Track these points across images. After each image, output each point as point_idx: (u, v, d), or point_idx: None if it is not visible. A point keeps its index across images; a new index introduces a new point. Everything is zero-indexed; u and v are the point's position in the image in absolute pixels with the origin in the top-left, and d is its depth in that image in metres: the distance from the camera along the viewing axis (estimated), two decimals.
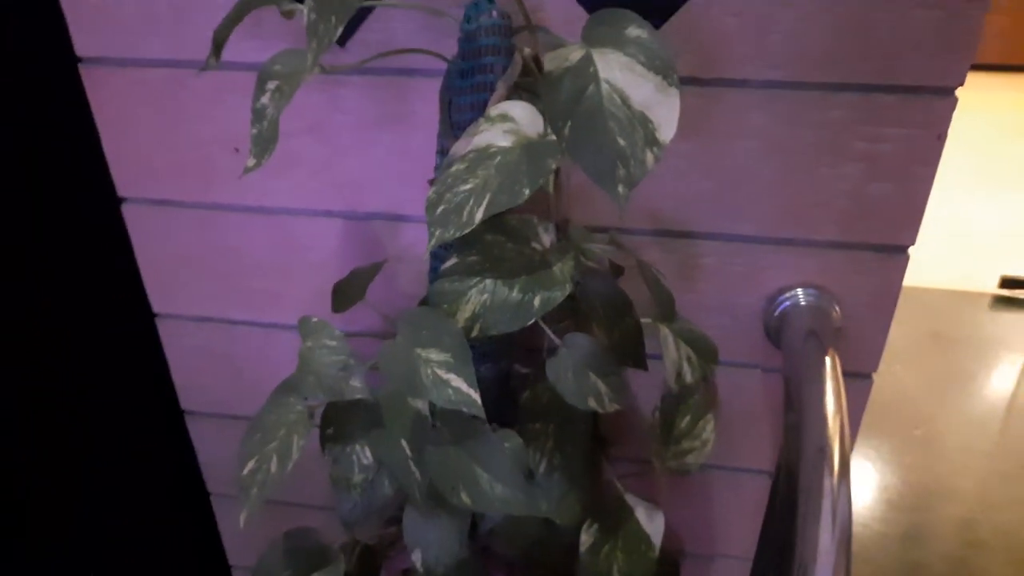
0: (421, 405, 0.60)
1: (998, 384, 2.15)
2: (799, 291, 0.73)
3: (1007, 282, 2.48)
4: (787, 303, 0.73)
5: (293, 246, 0.81)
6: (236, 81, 0.73)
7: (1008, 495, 1.79)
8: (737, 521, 0.88)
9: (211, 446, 0.99)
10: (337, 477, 0.62)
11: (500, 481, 0.54)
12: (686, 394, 0.76)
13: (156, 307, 0.88)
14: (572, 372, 0.58)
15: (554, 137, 0.52)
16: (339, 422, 0.63)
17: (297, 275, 0.82)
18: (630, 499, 0.72)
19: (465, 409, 0.50)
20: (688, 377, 0.73)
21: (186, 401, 0.95)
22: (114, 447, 0.92)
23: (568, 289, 0.55)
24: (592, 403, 0.59)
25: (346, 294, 0.69)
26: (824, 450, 0.57)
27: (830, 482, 0.55)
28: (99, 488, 0.91)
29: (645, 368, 0.67)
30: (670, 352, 0.71)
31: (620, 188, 0.47)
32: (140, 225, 0.82)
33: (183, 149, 0.77)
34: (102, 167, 0.79)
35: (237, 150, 0.76)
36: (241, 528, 0.61)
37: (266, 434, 0.63)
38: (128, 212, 0.82)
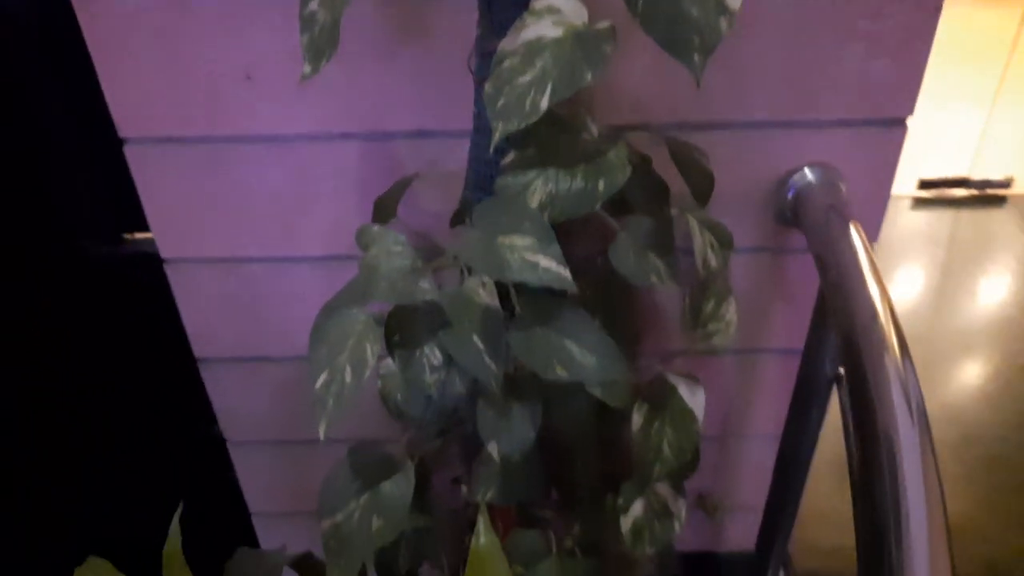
0: (489, 300, 0.62)
1: (921, 281, 2.31)
2: (807, 171, 0.78)
3: (925, 184, 2.65)
4: (799, 184, 0.78)
5: (308, 176, 0.80)
6: (240, 3, 0.71)
7: (933, 378, 1.95)
8: (762, 401, 0.95)
9: (227, 392, 0.98)
10: (411, 381, 0.63)
11: (592, 351, 0.57)
12: (710, 279, 0.81)
13: (164, 253, 0.85)
14: (633, 253, 0.61)
15: (603, 24, 0.54)
16: (405, 327, 0.64)
17: (313, 206, 0.82)
18: (671, 378, 0.76)
19: (557, 285, 0.53)
20: (713, 263, 0.77)
21: (200, 348, 0.93)
22: (129, 399, 0.90)
23: (628, 173, 0.58)
24: (654, 279, 0.62)
25: (386, 208, 0.70)
26: (876, 318, 0.61)
27: (892, 358, 0.58)
28: (115, 440, 0.90)
29: (673, 255, 0.70)
30: (697, 239, 0.75)
31: (696, 57, 0.49)
32: (144, 166, 0.80)
33: (186, 81, 0.75)
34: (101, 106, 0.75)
35: (249, 77, 0.74)
36: (322, 438, 0.61)
37: (333, 347, 0.63)
38: (131, 153, 0.79)
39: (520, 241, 0.54)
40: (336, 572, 0.69)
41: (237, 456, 1.04)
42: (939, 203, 2.67)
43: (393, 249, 0.61)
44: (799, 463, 0.85)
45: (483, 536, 0.60)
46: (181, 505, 0.63)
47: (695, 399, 0.77)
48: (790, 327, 0.89)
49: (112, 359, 0.91)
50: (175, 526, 0.63)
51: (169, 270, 0.86)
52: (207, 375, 0.96)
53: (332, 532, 0.71)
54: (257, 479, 1.07)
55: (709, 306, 0.82)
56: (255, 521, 1.12)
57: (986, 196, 2.67)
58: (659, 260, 0.63)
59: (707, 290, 0.81)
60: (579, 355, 0.57)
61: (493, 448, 0.66)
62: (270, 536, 1.14)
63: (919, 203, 2.67)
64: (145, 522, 0.90)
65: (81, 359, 0.89)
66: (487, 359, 0.61)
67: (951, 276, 2.32)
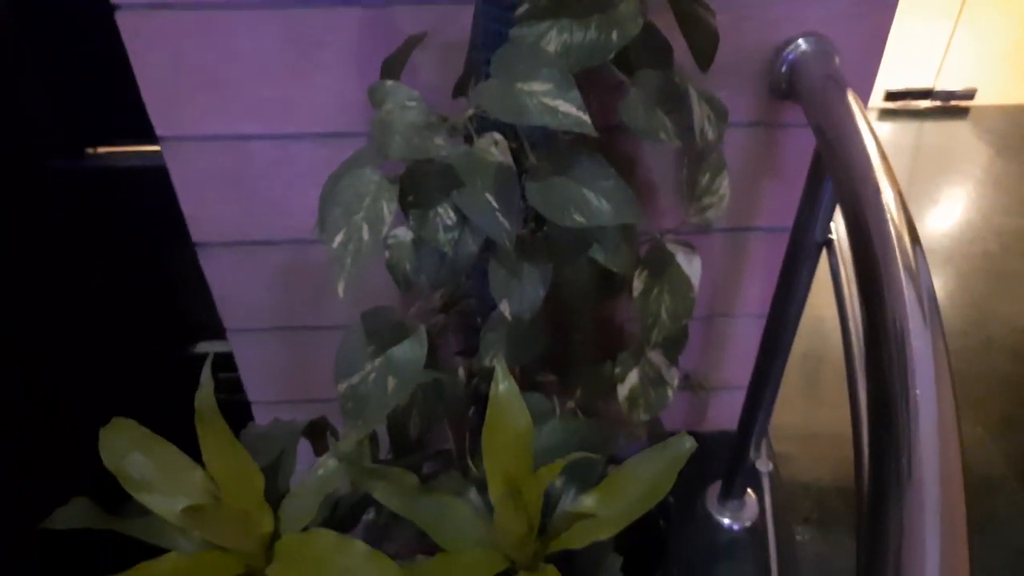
0: (502, 158, 0.63)
1: None
2: (801, 41, 0.80)
3: (891, 95, 2.69)
4: (794, 55, 0.80)
5: (308, 43, 0.79)
6: None
7: None
8: (750, 280, 0.98)
9: (226, 279, 0.98)
10: (426, 240, 0.65)
11: (608, 198, 0.59)
12: (706, 152, 0.83)
13: (160, 130, 0.84)
14: (643, 108, 0.63)
15: None
16: (419, 186, 0.65)
17: (312, 78, 0.81)
18: (671, 246, 0.79)
19: (576, 129, 0.54)
20: (710, 135, 0.79)
21: (198, 232, 0.93)
22: (125, 287, 0.90)
23: (640, 24, 0.59)
24: (662, 135, 0.64)
25: (393, 68, 0.70)
26: (875, 169, 0.64)
27: (892, 206, 0.60)
28: (113, 331, 0.90)
29: (680, 113, 0.72)
30: (695, 111, 0.77)
31: None
32: (136, 35, 0.78)
33: None
34: None
35: None
36: (340, 296, 0.63)
37: (348, 207, 0.64)
38: (122, 21, 0.77)
39: (539, 87, 0.55)
40: (353, 432, 0.72)
41: (237, 345, 1.06)
42: (904, 114, 2.72)
43: (407, 104, 0.62)
44: (783, 337, 0.89)
45: (502, 383, 0.63)
46: (210, 357, 0.65)
47: (692, 267, 0.80)
48: (780, 204, 0.92)
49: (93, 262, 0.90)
50: (207, 375, 0.64)
51: (165, 149, 0.85)
52: (205, 261, 0.96)
53: (349, 394, 0.73)
54: (258, 367, 1.09)
55: (704, 179, 0.84)
56: (255, 411, 1.15)
57: (949, 107, 2.73)
58: (666, 117, 0.64)
59: (703, 162, 0.83)
60: (595, 201, 0.59)
61: (505, 306, 0.68)
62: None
63: (885, 114, 2.71)
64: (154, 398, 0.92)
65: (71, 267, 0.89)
66: (500, 217, 0.62)
67: (915, 184, 2.39)
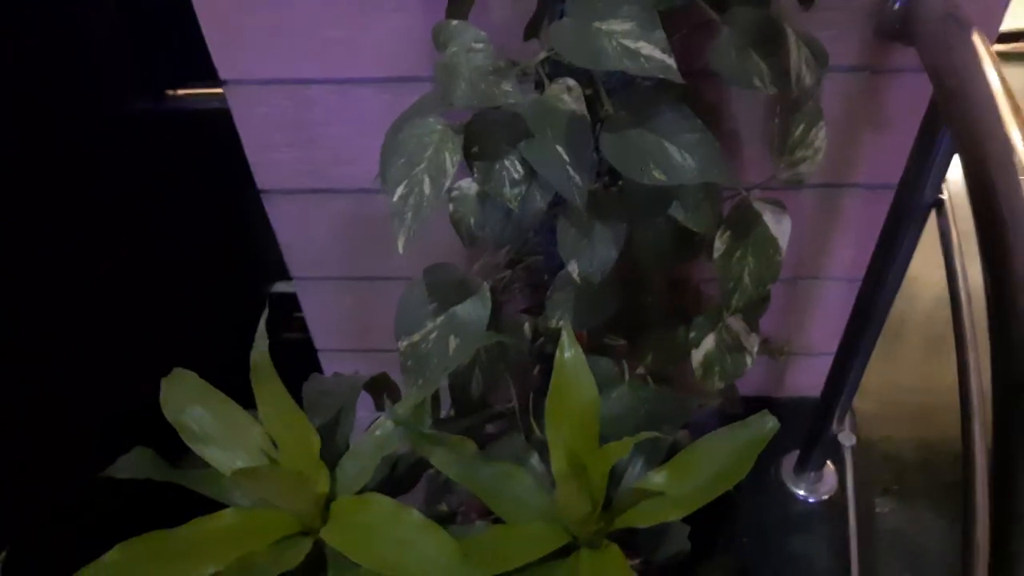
0: (575, 106, 0.58)
1: None
2: None
3: (1002, 36, 2.46)
4: None
5: None
6: None
7: None
8: (842, 240, 0.91)
9: (290, 226, 0.97)
10: (491, 194, 0.61)
11: (691, 152, 0.53)
12: (802, 99, 0.75)
13: (223, 73, 0.82)
14: (736, 51, 0.56)
15: None
16: (485, 136, 0.60)
17: (377, 17, 0.76)
18: (757, 204, 0.72)
19: (661, 75, 0.48)
20: (807, 80, 0.71)
21: (262, 179, 0.91)
22: (193, 235, 0.89)
23: None
24: (756, 82, 0.57)
25: (460, 8, 0.64)
26: (1010, 145, 0.55)
27: None
28: (182, 279, 0.90)
29: (777, 56, 0.64)
30: (792, 53, 0.69)
31: None
32: None
33: None
34: None
35: None
36: (400, 252, 0.60)
37: (410, 157, 0.61)
38: None
39: (619, 26, 0.49)
40: (413, 390, 0.70)
41: (302, 292, 1.05)
42: (1017, 57, 2.48)
43: (474, 46, 0.57)
44: (879, 304, 0.82)
45: (568, 351, 0.59)
46: (265, 312, 0.63)
47: (780, 228, 0.73)
48: (883, 159, 0.84)
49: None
50: (262, 331, 0.62)
51: (228, 93, 0.83)
52: (270, 208, 0.94)
53: (410, 352, 0.71)
54: (322, 315, 1.08)
55: (798, 130, 0.76)
56: (321, 358, 1.14)
57: None
58: (762, 62, 0.57)
59: (798, 111, 0.76)
60: (678, 157, 0.53)
61: (574, 267, 0.64)
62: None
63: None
64: (220, 346, 0.92)
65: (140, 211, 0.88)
66: (571, 171, 0.57)
67: None
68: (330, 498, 0.62)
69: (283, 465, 0.61)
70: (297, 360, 1.13)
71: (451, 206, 0.76)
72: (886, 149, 0.83)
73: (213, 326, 1.01)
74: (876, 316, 0.87)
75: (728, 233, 0.72)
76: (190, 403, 0.63)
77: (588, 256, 0.64)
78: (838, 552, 0.97)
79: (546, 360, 0.89)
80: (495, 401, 0.87)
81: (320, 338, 1.11)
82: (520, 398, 0.86)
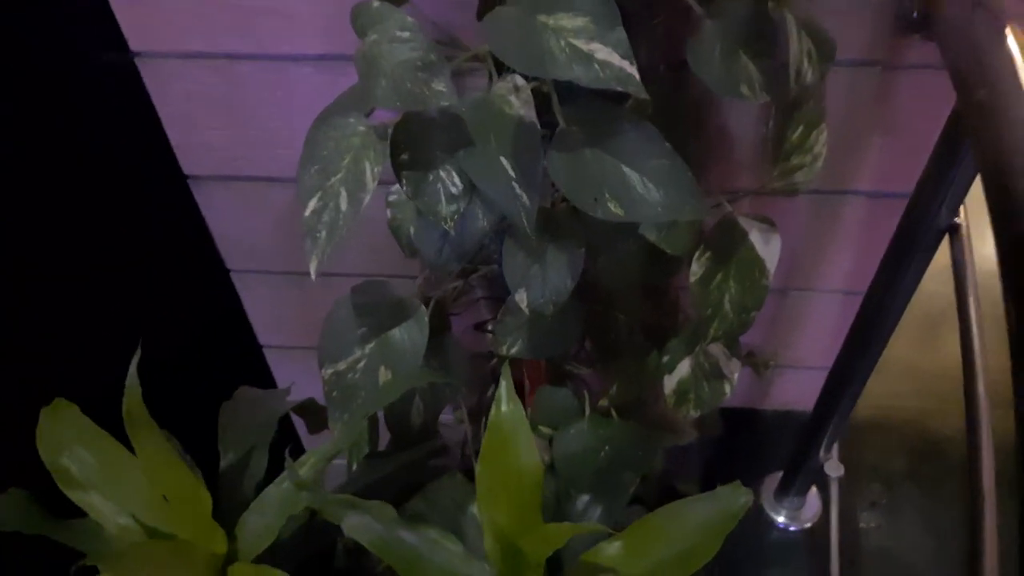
0: (523, 111, 0.47)
1: None
2: None
3: None
4: None
5: None
6: None
7: None
8: (840, 252, 0.81)
9: (224, 216, 0.86)
10: (422, 211, 0.51)
11: (658, 182, 0.43)
12: (802, 99, 0.64)
13: (134, 44, 0.70)
14: (721, 51, 0.46)
15: None
16: (416, 142, 0.50)
17: None
18: (744, 222, 0.62)
19: (619, 87, 0.38)
20: (808, 76, 0.60)
21: (188, 164, 0.81)
22: (117, 219, 0.79)
23: None
24: (744, 90, 0.47)
25: None
26: None
27: None
28: (114, 272, 0.80)
29: (772, 58, 0.54)
30: (793, 44, 0.58)
31: None
32: None
33: None
34: None
35: None
36: (312, 278, 0.50)
37: (327, 165, 0.51)
38: None
39: (569, 22, 0.39)
40: (338, 426, 0.61)
41: (241, 286, 0.95)
42: None
43: (399, 35, 0.46)
44: (885, 322, 0.72)
45: (504, 404, 0.50)
46: (138, 352, 0.53)
47: (768, 248, 0.63)
48: (892, 167, 0.74)
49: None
50: (133, 377, 0.53)
51: (141, 66, 0.72)
52: (200, 196, 0.84)
53: (334, 382, 0.61)
54: (264, 311, 0.98)
55: (796, 133, 0.66)
56: (267, 354, 1.05)
57: None
58: (752, 63, 0.47)
59: (796, 112, 0.65)
60: (640, 187, 0.43)
61: (522, 297, 0.54)
62: (283, 371, 1.07)
63: None
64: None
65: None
66: (518, 188, 0.47)
67: None
68: (229, 559, 0.54)
69: (174, 520, 0.52)
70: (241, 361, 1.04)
71: (388, 212, 0.66)
72: (896, 155, 0.72)
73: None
74: (878, 337, 0.78)
75: (708, 254, 0.62)
76: (70, 442, 0.54)
77: (539, 285, 0.54)
78: None
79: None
80: (444, 418, 0.78)
81: (264, 335, 1.02)
82: (472, 419, 0.77)
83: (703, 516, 0.51)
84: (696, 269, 0.62)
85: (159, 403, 0.83)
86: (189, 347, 0.93)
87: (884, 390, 1.46)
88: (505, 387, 0.51)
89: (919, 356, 1.50)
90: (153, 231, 0.83)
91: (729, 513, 0.51)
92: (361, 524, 0.51)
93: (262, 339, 1.03)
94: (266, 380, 1.07)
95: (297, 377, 0.93)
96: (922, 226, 0.62)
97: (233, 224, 0.87)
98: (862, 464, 1.35)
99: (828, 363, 0.87)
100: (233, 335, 1.01)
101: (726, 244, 0.62)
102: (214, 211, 0.86)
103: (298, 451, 0.69)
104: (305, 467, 0.55)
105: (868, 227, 0.79)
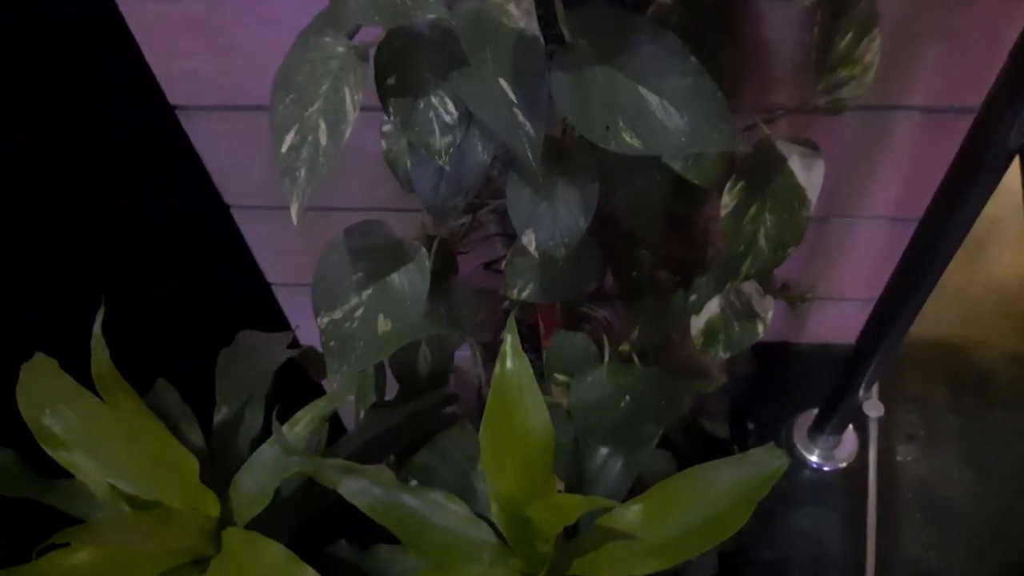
0: (524, 23, 0.40)
1: None
2: None
3: None
4: None
5: None
6: None
7: None
8: (889, 173, 0.73)
9: (215, 148, 0.81)
10: (413, 144, 0.44)
11: (682, 105, 0.36)
12: (850, 1, 0.56)
13: None
14: None
15: None
16: (404, 64, 0.44)
17: None
18: (782, 146, 0.55)
19: None
20: None
21: (173, 93, 0.75)
22: (101, 153, 0.74)
23: None
24: None
25: None
26: None
27: None
28: (110, 221, 0.75)
29: None
30: None
31: None
32: None
33: None
34: None
35: None
36: (295, 226, 0.45)
37: (302, 93, 0.44)
38: None
39: None
40: (337, 377, 0.56)
41: (243, 222, 0.90)
42: None
43: None
44: (942, 251, 0.65)
45: (510, 361, 0.45)
46: (101, 311, 0.49)
47: (810, 175, 0.56)
48: (948, 77, 0.65)
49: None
50: (98, 337, 0.49)
51: None
52: (190, 128, 0.78)
53: (331, 331, 0.57)
54: (268, 247, 0.94)
55: (844, 41, 0.58)
56: (277, 292, 1.01)
57: None
58: None
59: (845, 16, 0.57)
60: (660, 112, 0.36)
61: (529, 239, 0.48)
62: (294, 309, 1.03)
63: None
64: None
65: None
66: (520, 115, 0.41)
67: None
68: (225, 520, 0.51)
69: (159, 485, 0.49)
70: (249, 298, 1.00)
71: (384, 143, 0.60)
72: (955, 65, 0.64)
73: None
74: (933, 268, 0.70)
75: (741, 184, 0.55)
76: (53, 400, 0.50)
77: (548, 225, 0.48)
78: (852, 526, 0.85)
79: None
80: (458, 368, 0.74)
81: (271, 272, 0.98)
82: (488, 366, 0.73)
83: (733, 480, 0.46)
84: (727, 201, 0.55)
85: (165, 350, 0.80)
86: (194, 289, 0.90)
87: (924, 315, 1.38)
88: (510, 342, 0.46)
89: (964, 279, 1.42)
90: (143, 167, 0.78)
91: (762, 478, 0.46)
92: (358, 488, 0.47)
93: (270, 277, 0.99)
94: (277, 319, 1.03)
95: (309, 315, 0.89)
96: (990, 146, 0.54)
97: (227, 157, 0.82)
98: (901, 394, 1.29)
99: (872, 295, 0.80)
100: (239, 274, 0.97)
101: (762, 172, 0.55)
102: (207, 144, 0.80)
103: (317, 392, 0.65)
104: (299, 425, 0.51)
105: (923, 147, 0.71)
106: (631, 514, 0.47)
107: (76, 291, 0.67)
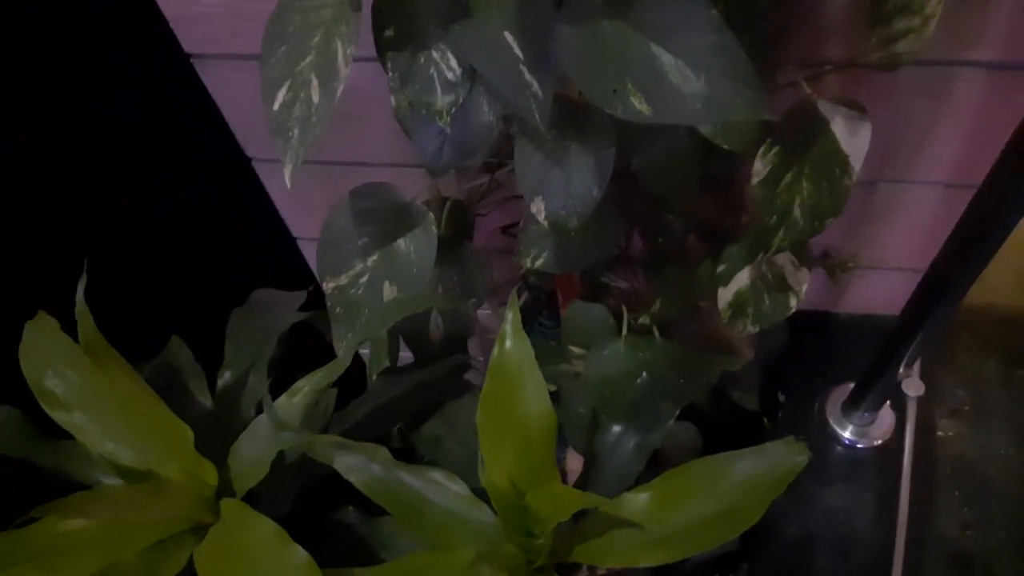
0: None
1: None
2: None
3: None
4: None
5: None
6: None
7: None
8: (943, 135, 0.67)
9: (233, 99, 0.79)
10: (413, 103, 0.41)
11: (699, 68, 0.32)
12: None
13: None
14: None
15: None
16: (402, 14, 0.40)
17: None
18: (824, 107, 0.50)
19: None
20: None
21: (188, 42, 0.72)
22: (115, 104, 0.72)
23: None
24: None
25: None
26: None
27: None
28: (126, 178, 0.74)
29: None
30: None
31: None
32: None
33: None
34: None
35: None
36: (289, 189, 0.43)
37: (294, 46, 0.41)
38: None
39: None
40: (343, 343, 0.55)
41: (265, 176, 0.89)
42: None
43: None
44: (1003, 220, 0.59)
45: (509, 341, 0.42)
46: (83, 278, 0.47)
47: (855, 140, 0.52)
48: (1015, 29, 0.58)
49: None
50: (81, 303, 0.47)
51: None
52: (206, 77, 0.76)
53: (337, 297, 0.55)
54: (292, 202, 0.92)
55: None
56: (302, 246, 1.00)
57: None
58: None
59: None
60: (675, 74, 0.32)
61: (539, 208, 0.45)
62: None
63: None
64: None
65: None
66: (527, 73, 0.37)
67: None
68: (224, 489, 0.50)
69: (154, 455, 0.48)
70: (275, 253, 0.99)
71: (392, 99, 0.57)
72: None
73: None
74: (992, 237, 0.64)
75: (776, 149, 0.51)
76: (54, 360, 0.50)
77: (560, 193, 0.45)
78: (884, 506, 0.82)
79: (533, 290, 0.72)
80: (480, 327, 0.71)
81: (296, 227, 0.96)
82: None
83: (748, 474, 0.43)
84: (760, 168, 0.51)
85: (186, 307, 0.79)
86: (216, 244, 0.89)
87: (978, 284, 1.31)
88: (511, 320, 0.43)
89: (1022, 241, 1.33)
90: (160, 120, 0.76)
91: (779, 473, 0.43)
92: (354, 465, 0.45)
93: (294, 231, 0.97)
94: (304, 274, 1.02)
95: None
96: None
97: (248, 108, 0.79)
98: (946, 365, 1.23)
99: (920, 265, 0.75)
100: (264, 228, 0.95)
101: (801, 135, 0.51)
102: (225, 95, 0.78)
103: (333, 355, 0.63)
104: (298, 395, 0.49)
105: (987, 107, 0.65)
106: (639, 502, 0.45)
107: (91, 249, 0.66)
